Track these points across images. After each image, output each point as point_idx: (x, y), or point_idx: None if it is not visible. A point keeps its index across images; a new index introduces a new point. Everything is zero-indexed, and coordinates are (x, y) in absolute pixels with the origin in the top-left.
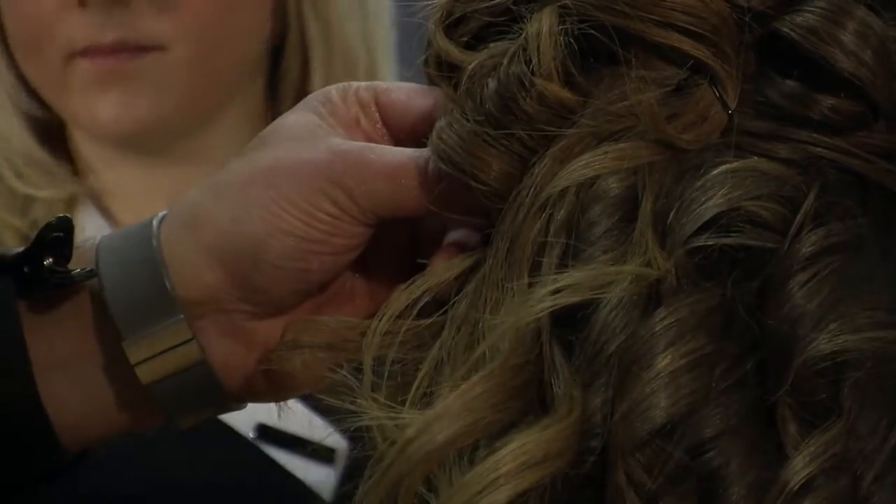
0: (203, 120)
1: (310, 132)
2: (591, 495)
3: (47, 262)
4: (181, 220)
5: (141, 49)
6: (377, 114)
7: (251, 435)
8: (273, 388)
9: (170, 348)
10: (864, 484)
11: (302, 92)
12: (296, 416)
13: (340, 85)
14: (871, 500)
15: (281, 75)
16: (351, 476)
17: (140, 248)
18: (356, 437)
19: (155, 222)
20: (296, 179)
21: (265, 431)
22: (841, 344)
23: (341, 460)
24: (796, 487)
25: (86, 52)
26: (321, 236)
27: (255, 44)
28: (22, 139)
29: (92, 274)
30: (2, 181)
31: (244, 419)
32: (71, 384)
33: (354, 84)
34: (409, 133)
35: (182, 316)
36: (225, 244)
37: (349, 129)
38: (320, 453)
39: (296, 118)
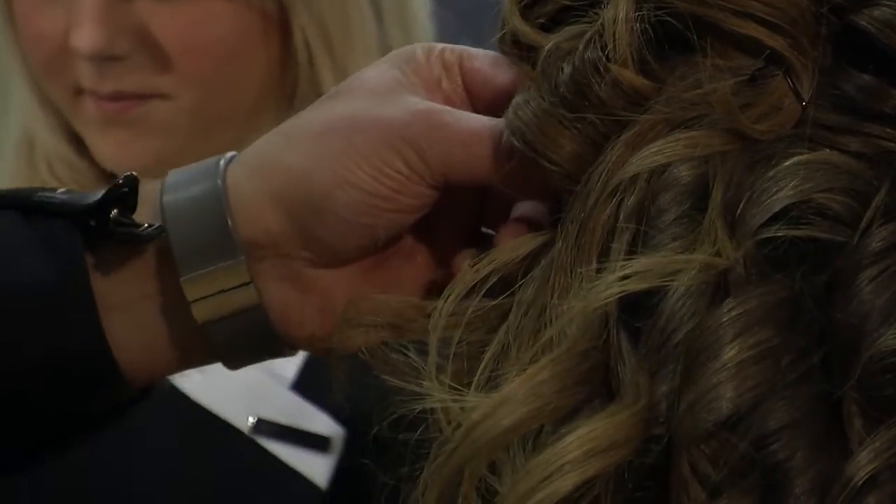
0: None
1: (390, 88)
2: (655, 485)
3: (113, 214)
4: (249, 164)
5: (142, 97)
6: (460, 78)
7: (248, 428)
8: (327, 337)
9: (228, 289)
10: None
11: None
12: (290, 407)
13: (426, 44)
14: None
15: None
16: (347, 463)
17: (205, 188)
18: (351, 424)
19: (222, 162)
20: (371, 135)
21: (261, 426)
22: None
23: (337, 448)
24: (860, 483)
25: (90, 94)
26: (388, 193)
27: (263, 89)
28: (49, 134)
29: (157, 231)
30: (36, 173)
31: (239, 413)
32: (133, 324)
33: (441, 45)
34: (488, 103)
35: (242, 258)
36: (292, 191)
37: (430, 90)
38: (315, 442)
39: (377, 72)
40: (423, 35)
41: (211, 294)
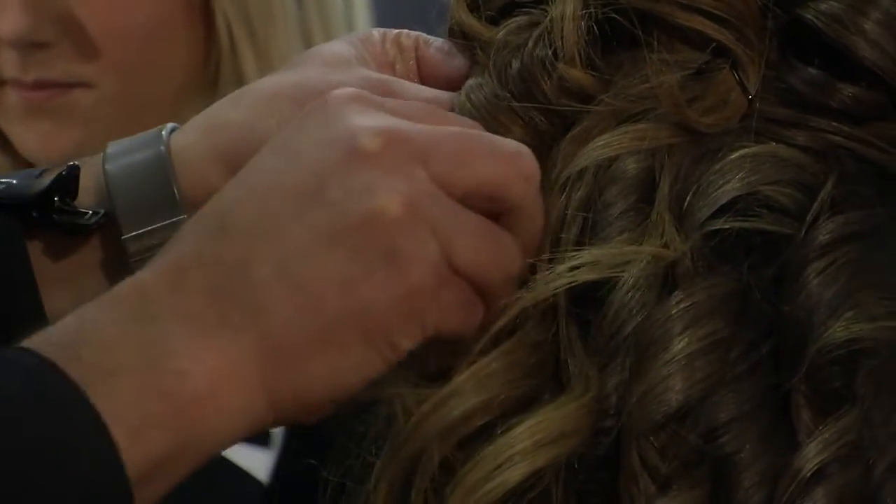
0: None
1: (343, 60)
2: (606, 477)
3: (56, 201)
4: (195, 127)
5: (65, 86)
6: (414, 62)
7: None
8: None
9: None
10: (877, 472)
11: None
12: None
13: (383, 29)
14: (883, 488)
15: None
16: (287, 457)
17: (148, 154)
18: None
19: (164, 132)
20: (320, 97)
21: None
22: (856, 332)
23: (277, 442)
24: (809, 474)
25: (12, 83)
26: None
27: (186, 76)
28: None
29: (101, 218)
30: None
31: None
32: (75, 296)
33: (398, 30)
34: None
35: (184, 216)
36: (238, 147)
37: (383, 69)
38: (255, 437)
39: (332, 47)
40: (341, 20)
41: (153, 251)
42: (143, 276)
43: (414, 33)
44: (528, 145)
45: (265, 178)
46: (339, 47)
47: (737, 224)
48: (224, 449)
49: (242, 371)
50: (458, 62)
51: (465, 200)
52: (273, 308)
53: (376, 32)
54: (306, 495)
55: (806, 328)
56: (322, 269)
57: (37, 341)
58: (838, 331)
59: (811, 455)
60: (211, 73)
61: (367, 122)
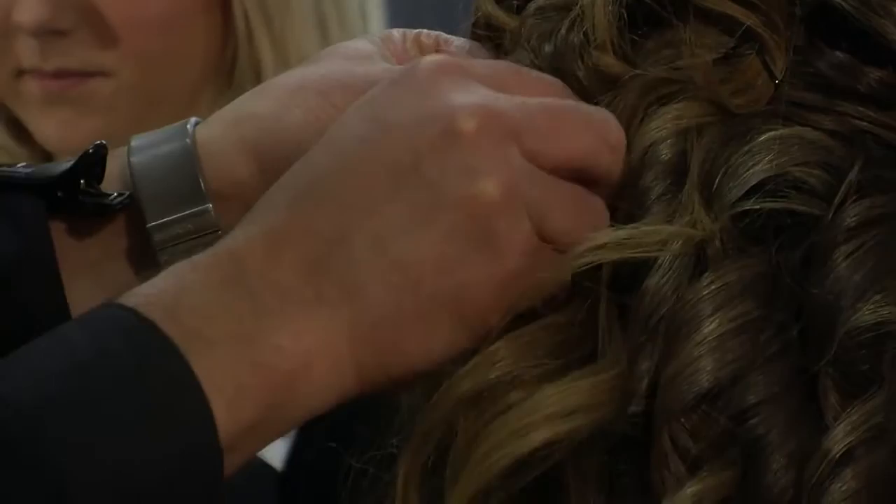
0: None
1: (365, 55)
2: (635, 458)
3: (81, 184)
4: (220, 118)
5: (84, 75)
6: None
7: None
8: None
9: (194, 237)
10: None
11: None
12: None
13: (403, 29)
14: None
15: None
16: (301, 445)
17: (174, 147)
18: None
19: (189, 126)
20: (346, 89)
21: None
22: (884, 315)
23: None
24: (838, 456)
25: (33, 73)
26: None
27: (203, 65)
28: None
29: (126, 199)
30: None
31: None
32: (98, 287)
33: (418, 30)
34: None
35: (209, 206)
36: (264, 138)
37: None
38: None
39: (353, 44)
40: (356, 11)
41: (177, 241)
42: (237, 243)
43: (434, 33)
44: None
45: (359, 148)
46: (361, 44)
47: (766, 205)
48: (309, 418)
49: (336, 348)
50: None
51: (556, 171)
52: (370, 286)
53: (396, 32)
54: (321, 482)
55: (834, 311)
56: (420, 248)
57: (134, 300)
58: (866, 314)
59: (839, 437)
60: (227, 62)
61: (462, 99)
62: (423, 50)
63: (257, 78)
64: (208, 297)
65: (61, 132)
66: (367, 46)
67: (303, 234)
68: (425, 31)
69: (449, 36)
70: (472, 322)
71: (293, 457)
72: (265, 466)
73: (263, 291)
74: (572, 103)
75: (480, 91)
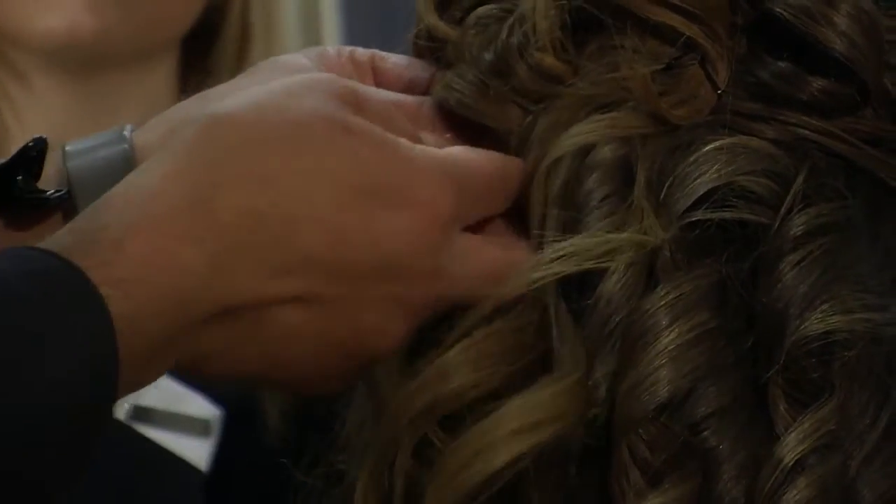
0: (138, 59)
1: (303, 68)
2: (594, 470)
3: (18, 179)
4: (157, 125)
5: None
6: (371, 78)
7: (124, 415)
8: None
9: None
10: (854, 463)
11: (238, 69)
12: (166, 392)
13: (338, 46)
14: (860, 479)
15: (219, 50)
16: (226, 445)
17: (112, 151)
18: (230, 405)
19: (126, 132)
20: None
21: (138, 412)
22: (832, 324)
23: (215, 430)
24: (790, 465)
25: None
26: None
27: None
28: None
29: (64, 195)
30: None
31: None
32: None
33: (352, 47)
34: None
35: None
36: None
37: None
38: (194, 427)
39: (289, 58)
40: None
41: None
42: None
43: (370, 50)
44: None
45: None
46: (297, 58)
47: (716, 215)
48: None
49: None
50: (416, 73)
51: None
52: None
53: (330, 48)
54: (247, 482)
55: (782, 320)
56: None
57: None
58: (814, 323)
59: (791, 446)
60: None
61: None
62: (358, 66)
63: (244, 38)
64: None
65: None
66: (302, 62)
67: None
68: (360, 49)
69: (384, 53)
70: None
71: (218, 458)
72: (192, 469)
73: None
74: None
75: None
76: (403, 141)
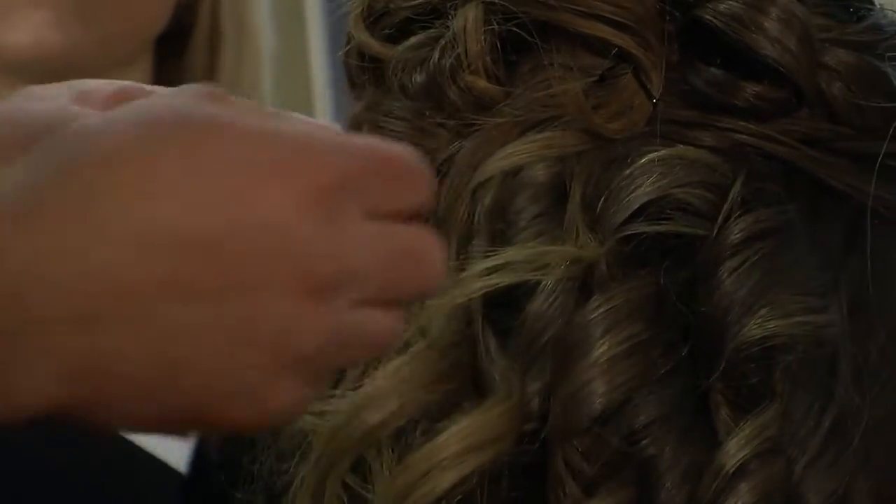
0: (110, 67)
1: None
2: (532, 484)
3: None
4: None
5: None
6: None
7: None
8: None
9: None
10: (798, 468)
11: (211, 66)
12: None
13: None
14: (803, 483)
15: (191, 49)
16: (205, 446)
17: None
18: None
19: None
20: (16, 125)
21: None
22: (771, 329)
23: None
24: (732, 471)
25: None
26: None
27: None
28: None
29: None
30: None
31: None
32: None
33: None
34: None
35: None
36: None
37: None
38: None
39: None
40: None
41: None
42: None
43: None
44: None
45: None
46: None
47: (651, 228)
48: None
49: None
50: None
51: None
52: None
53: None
54: (222, 484)
55: (721, 327)
56: None
57: None
58: (753, 328)
59: (733, 451)
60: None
61: None
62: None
63: (213, 50)
64: None
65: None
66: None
67: None
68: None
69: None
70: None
71: (196, 458)
72: (170, 470)
73: None
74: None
75: None
76: None
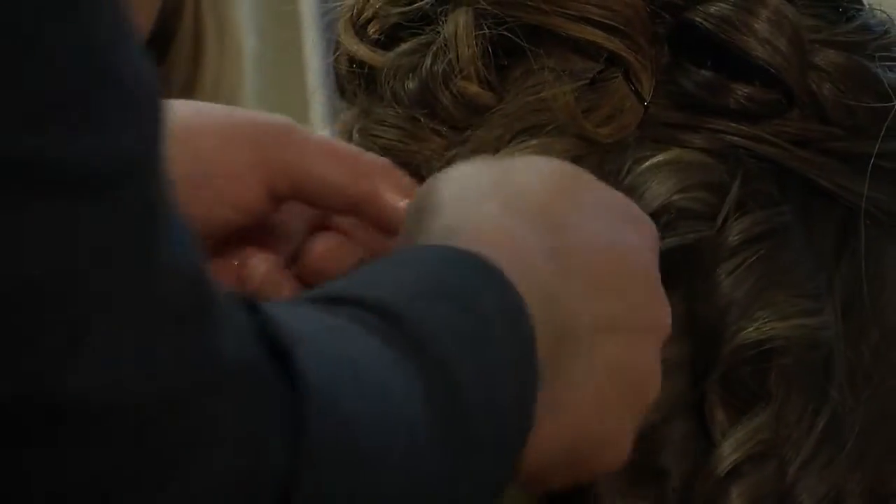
0: None
1: None
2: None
3: None
4: None
5: None
6: None
7: None
8: None
9: None
10: (791, 470)
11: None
12: None
13: None
14: (797, 485)
15: (174, 51)
16: None
17: None
18: None
19: None
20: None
21: None
22: (768, 332)
23: None
24: (723, 474)
25: None
26: None
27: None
28: None
29: None
30: None
31: None
32: None
33: None
34: None
35: None
36: None
37: None
38: None
39: None
40: None
41: None
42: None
43: None
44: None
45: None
46: None
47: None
48: None
49: None
50: None
51: None
52: None
53: None
54: None
55: (718, 329)
56: None
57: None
58: (750, 331)
59: (725, 454)
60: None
61: None
62: None
63: (196, 56)
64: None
65: None
66: None
67: None
68: None
69: None
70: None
71: None
72: None
73: None
74: None
75: None
76: None
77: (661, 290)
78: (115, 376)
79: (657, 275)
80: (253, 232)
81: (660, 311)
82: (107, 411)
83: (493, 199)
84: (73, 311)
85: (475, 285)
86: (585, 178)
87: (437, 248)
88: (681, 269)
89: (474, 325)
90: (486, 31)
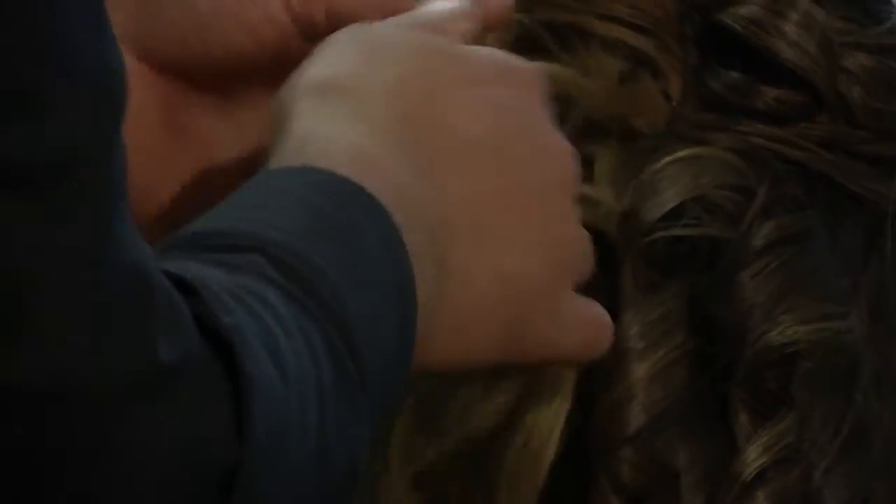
0: None
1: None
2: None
3: None
4: None
5: None
6: None
7: None
8: None
9: None
10: (816, 475)
11: None
12: None
13: None
14: (822, 491)
15: None
16: None
17: None
18: None
19: None
20: None
21: None
22: (791, 336)
23: None
24: (749, 478)
25: None
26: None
27: None
28: None
29: None
30: None
31: None
32: None
33: None
34: None
35: None
36: None
37: None
38: None
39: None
40: None
41: None
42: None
43: None
44: None
45: None
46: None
47: (684, 231)
48: None
49: None
50: None
51: None
52: None
53: None
54: None
55: (742, 332)
56: None
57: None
58: (774, 335)
59: (751, 459)
60: None
61: None
62: None
63: None
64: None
65: None
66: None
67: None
68: None
69: None
70: None
71: None
72: None
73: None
74: None
75: None
76: None
77: (555, 138)
78: (53, 366)
79: (545, 125)
80: None
81: (554, 163)
82: (43, 397)
83: (347, 100)
84: (10, 302)
85: (354, 219)
86: (450, 49)
87: (303, 171)
88: (689, 262)
89: (358, 264)
90: (515, 28)
